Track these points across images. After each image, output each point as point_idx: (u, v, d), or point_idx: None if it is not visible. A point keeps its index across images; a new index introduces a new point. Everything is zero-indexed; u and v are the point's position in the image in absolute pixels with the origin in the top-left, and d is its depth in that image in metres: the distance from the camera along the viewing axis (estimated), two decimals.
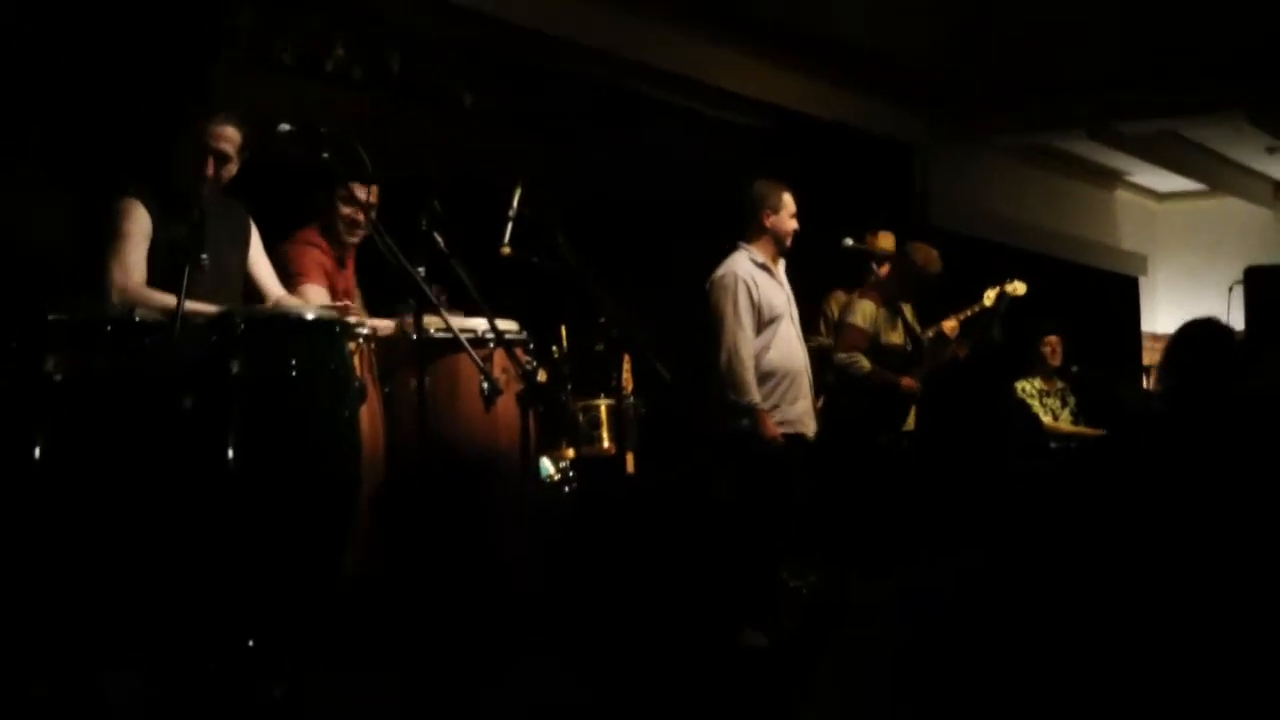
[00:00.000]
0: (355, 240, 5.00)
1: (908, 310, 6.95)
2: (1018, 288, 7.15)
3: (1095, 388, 8.58)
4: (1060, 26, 8.02)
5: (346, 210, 4.90)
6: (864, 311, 6.68)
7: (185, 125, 4.27)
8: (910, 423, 6.80)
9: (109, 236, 4.16)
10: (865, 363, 6.51)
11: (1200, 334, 3.69)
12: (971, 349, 6.91)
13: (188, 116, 4.29)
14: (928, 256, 6.78)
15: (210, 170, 4.24)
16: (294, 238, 4.96)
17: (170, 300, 3.80)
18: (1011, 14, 7.78)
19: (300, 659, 3.72)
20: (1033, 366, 8.50)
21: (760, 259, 5.90)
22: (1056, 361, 8.49)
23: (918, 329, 6.93)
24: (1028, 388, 8.43)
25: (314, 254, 4.92)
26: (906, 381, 6.64)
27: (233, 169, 4.31)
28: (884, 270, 6.98)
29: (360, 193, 4.83)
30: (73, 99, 5.18)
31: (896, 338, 6.79)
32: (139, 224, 4.18)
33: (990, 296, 7.08)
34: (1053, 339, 8.48)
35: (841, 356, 6.59)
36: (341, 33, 6.33)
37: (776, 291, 5.91)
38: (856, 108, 8.86)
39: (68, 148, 5.13)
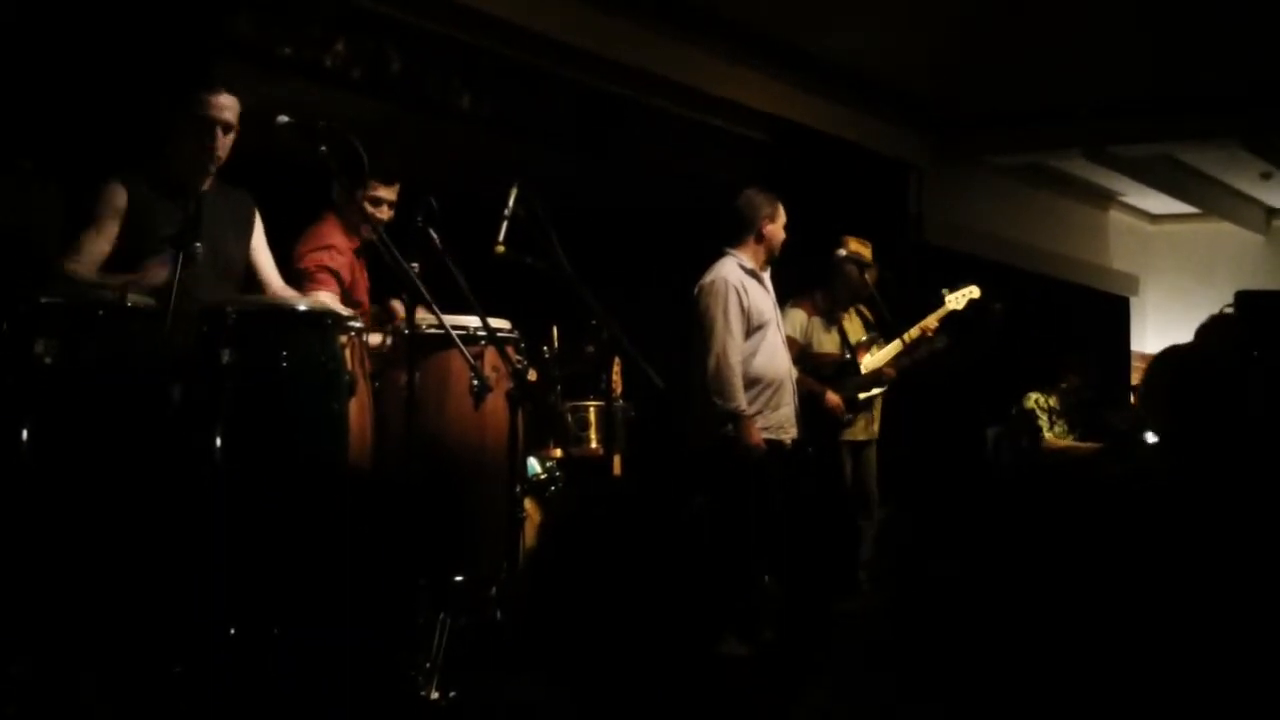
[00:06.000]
0: (383, 219, 4.98)
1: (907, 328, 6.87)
2: (973, 292, 6.92)
3: (1083, 404, 8.65)
4: (1059, 49, 8.02)
5: (374, 211, 4.93)
6: (793, 321, 6.66)
7: (182, 107, 4.28)
8: (859, 432, 6.73)
9: (83, 221, 4.18)
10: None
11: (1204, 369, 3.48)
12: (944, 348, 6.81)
13: (185, 101, 4.30)
14: (857, 252, 6.71)
15: (216, 144, 4.25)
16: (310, 238, 4.98)
17: (114, 283, 3.82)
18: (1010, 36, 7.79)
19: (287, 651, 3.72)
20: (1052, 385, 8.58)
21: (749, 265, 5.90)
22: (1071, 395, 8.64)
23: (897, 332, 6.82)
24: (1041, 401, 8.53)
25: (329, 256, 4.92)
26: (830, 398, 6.55)
27: (230, 142, 4.32)
28: (870, 277, 6.85)
29: (387, 193, 4.96)
30: (70, 92, 5.18)
31: (831, 346, 6.76)
32: (111, 205, 4.19)
33: (958, 300, 6.90)
34: (1074, 378, 8.62)
35: None
36: (341, 32, 6.33)
37: (764, 298, 5.91)
38: (853, 124, 8.88)
39: (64, 139, 5.13)
